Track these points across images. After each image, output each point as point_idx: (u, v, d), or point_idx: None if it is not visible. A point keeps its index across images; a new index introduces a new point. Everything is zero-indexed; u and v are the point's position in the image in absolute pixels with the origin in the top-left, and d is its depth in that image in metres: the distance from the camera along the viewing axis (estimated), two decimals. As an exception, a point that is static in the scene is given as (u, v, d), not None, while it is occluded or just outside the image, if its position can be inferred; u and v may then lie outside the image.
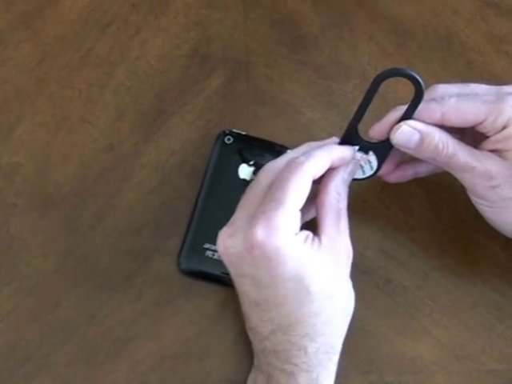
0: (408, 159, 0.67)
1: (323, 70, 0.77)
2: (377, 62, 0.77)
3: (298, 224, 0.59)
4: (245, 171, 0.71)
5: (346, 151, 0.63)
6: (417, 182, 0.71)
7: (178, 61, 0.77)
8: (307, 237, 0.59)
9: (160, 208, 0.72)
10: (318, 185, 0.62)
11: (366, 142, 0.64)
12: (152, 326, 0.68)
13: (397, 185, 0.70)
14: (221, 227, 0.67)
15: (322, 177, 0.62)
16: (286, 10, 0.79)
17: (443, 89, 0.64)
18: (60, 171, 0.73)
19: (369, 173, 0.65)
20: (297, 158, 0.60)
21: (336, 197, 0.62)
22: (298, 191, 0.59)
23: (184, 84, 0.76)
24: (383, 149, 0.64)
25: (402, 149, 0.63)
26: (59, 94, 0.76)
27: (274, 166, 0.62)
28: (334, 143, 0.64)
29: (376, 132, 0.64)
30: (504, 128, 0.60)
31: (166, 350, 0.68)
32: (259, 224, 0.57)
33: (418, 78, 0.59)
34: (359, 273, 0.69)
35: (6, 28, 0.78)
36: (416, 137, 0.62)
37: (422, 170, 0.69)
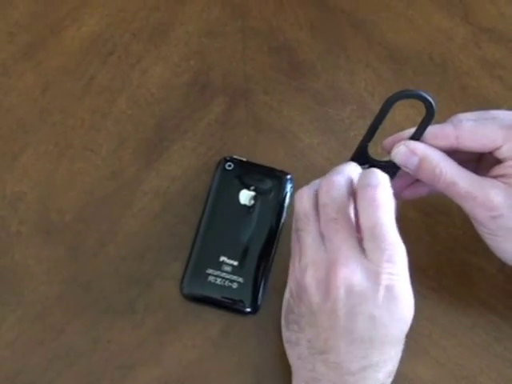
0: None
1: (321, 96, 0.78)
2: (373, 87, 0.78)
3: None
4: (245, 197, 0.72)
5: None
6: (414, 205, 0.72)
7: (179, 89, 0.78)
8: None
9: (162, 234, 0.72)
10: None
11: (376, 160, 0.64)
12: (155, 351, 0.69)
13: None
14: (223, 252, 0.68)
15: None
16: (284, 38, 0.81)
17: (462, 116, 0.63)
18: (63, 199, 0.74)
19: None
20: (370, 183, 0.59)
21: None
22: (390, 219, 0.58)
23: (184, 112, 0.77)
24: (393, 167, 0.63)
25: (403, 168, 0.62)
26: (62, 122, 0.77)
27: (339, 187, 0.60)
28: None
29: (387, 145, 0.63)
30: None
31: (169, 375, 0.68)
32: (384, 264, 0.57)
33: (429, 98, 0.59)
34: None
35: (9, 59, 0.79)
36: (415, 159, 0.61)
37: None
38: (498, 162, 0.61)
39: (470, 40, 0.80)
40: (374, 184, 0.58)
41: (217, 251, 0.70)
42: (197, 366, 0.69)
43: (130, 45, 0.80)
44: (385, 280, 0.56)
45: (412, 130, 0.62)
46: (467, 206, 0.61)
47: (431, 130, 0.61)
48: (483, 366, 0.68)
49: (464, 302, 0.70)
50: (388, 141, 0.64)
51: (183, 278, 0.70)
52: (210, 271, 0.69)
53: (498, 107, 0.65)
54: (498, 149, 0.60)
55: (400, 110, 0.70)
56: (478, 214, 0.61)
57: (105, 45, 0.80)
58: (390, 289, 0.56)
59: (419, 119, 0.61)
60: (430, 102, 0.59)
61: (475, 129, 0.60)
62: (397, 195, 0.62)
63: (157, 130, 0.77)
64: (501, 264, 0.69)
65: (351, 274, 0.57)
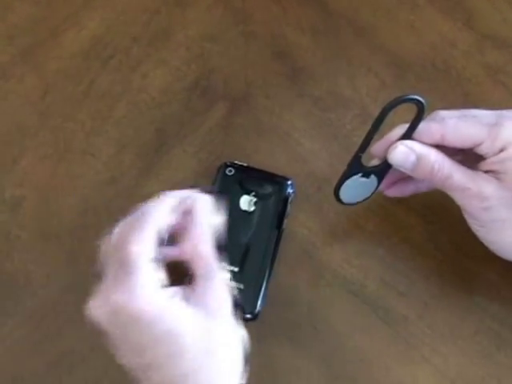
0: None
1: (322, 102, 0.78)
2: (375, 93, 0.78)
3: (158, 279, 0.56)
4: (246, 202, 0.72)
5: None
6: (415, 212, 0.72)
7: (179, 93, 0.78)
8: (175, 293, 0.56)
9: (162, 240, 0.72)
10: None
11: (368, 167, 0.65)
12: (155, 357, 0.68)
13: (396, 215, 0.71)
14: (222, 259, 0.68)
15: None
16: (286, 43, 0.80)
17: (444, 113, 0.65)
18: (63, 203, 0.74)
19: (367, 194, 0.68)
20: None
21: (190, 244, 0.58)
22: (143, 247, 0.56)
23: (185, 116, 0.77)
24: (383, 169, 0.66)
25: (399, 168, 0.64)
26: (62, 126, 0.77)
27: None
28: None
29: (377, 150, 0.65)
30: (501, 151, 0.61)
31: (169, 381, 0.68)
32: (116, 288, 0.55)
33: (419, 98, 0.61)
34: (359, 303, 0.70)
35: (8, 62, 0.79)
36: (412, 157, 0.63)
37: (423, 186, 0.69)
38: (479, 158, 0.63)
39: (473, 46, 0.80)
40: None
41: (217, 257, 0.69)
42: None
43: (130, 48, 0.80)
44: (117, 307, 0.55)
45: (398, 131, 0.64)
46: (461, 198, 0.63)
47: (418, 129, 0.63)
48: (484, 374, 0.68)
49: (465, 309, 0.70)
50: (378, 145, 0.65)
51: (183, 283, 0.70)
52: (210, 277, 0.69)
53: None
54: (479, 145, 0.62)
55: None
56: (471, 205, 0.63)
57: (105, 48, 0.80)
58: (128, 313, 0.55)
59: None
60: (422, 103, 0.61)
61: (458, 125, 0.62)
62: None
63: (157, 135, 0.77)
64: (502, 271, 0.69)
65: (94, 301, 0.57)
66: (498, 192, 0.61)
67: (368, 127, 0.62)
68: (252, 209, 0.71)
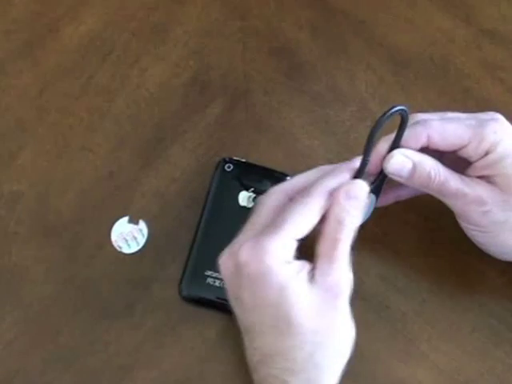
0: (389, 183, 0.66)
1: (321, 98, 0.78)
2: (374, 89, 0.78)
3: (291, 252, 0.57)
4: (245, 198, 0.72)
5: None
6: (414, 209, 0.71)
7: (178, 89, 0.78)
8: (301, 269, 0.57)
9: (160, 235, 0.72)
10: None
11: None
12: (153, 353, 0.68)
13: (394, 212, 0.70)
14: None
15: None
16: (284, 39, 0.80)
17: (424, 115, 0.64)
18: (61, 199, 0.73)
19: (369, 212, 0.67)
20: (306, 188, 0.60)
21: (334, 226, 0.58)
22: (298, 221, 0.58)
23: (183, 112, 0.77)
24: (379, 183, 0.64)
25: (395, 177, 0.63)
26: (60, 122, 0.76)
27: (279, 189, 0.62)
28: (348, 168, 0.61)
29: (369, 167, 0.62)
30: (487, 154, 0.60)
31: (167, 377, 0.68)
32: (248, 245, 0.57)
33: (402, 107, 0.58)
34: (358, 299, 0.68)
35: (6, 57, 0.79)
36: (409, 165, 0.61)
37: (403, 193, 0.68)
38: (463, 164, 0.62)
39: (472, 42, 0.80)
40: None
41: (216, 253, 0.69)
42: (195, 368, 0.68)
43: (128, 44, 0.80)
44: (242, 261, 0.58)
45: (384, 144, 0.62)
46: (459, 204, 0.62)
47: (403, 135, 0.62)
48: (483, 370, 0.68)
49: (464, 306, 0.70)
50: (369, 163, 0.62)
51: (182, 279, 0.70)
52: (208, 273, 0.69)
53: (498, 109, 0.64)
54: (464, 147, 0.61)
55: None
56: (471, 210, 0.62)
57: (103, 44, 0.80)
58: (248, 270, 0.57)
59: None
60: (406, 111, 0.59)
61: (444, 126, 0.61)
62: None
63: (156, 131, 0.76)
64: (500, 268, 0.69)
65: (226, 257, 0.60)
66: (494, 195, 0.61)
67: (367, 123, 0.62)
68: (251, 205, 0.71)
